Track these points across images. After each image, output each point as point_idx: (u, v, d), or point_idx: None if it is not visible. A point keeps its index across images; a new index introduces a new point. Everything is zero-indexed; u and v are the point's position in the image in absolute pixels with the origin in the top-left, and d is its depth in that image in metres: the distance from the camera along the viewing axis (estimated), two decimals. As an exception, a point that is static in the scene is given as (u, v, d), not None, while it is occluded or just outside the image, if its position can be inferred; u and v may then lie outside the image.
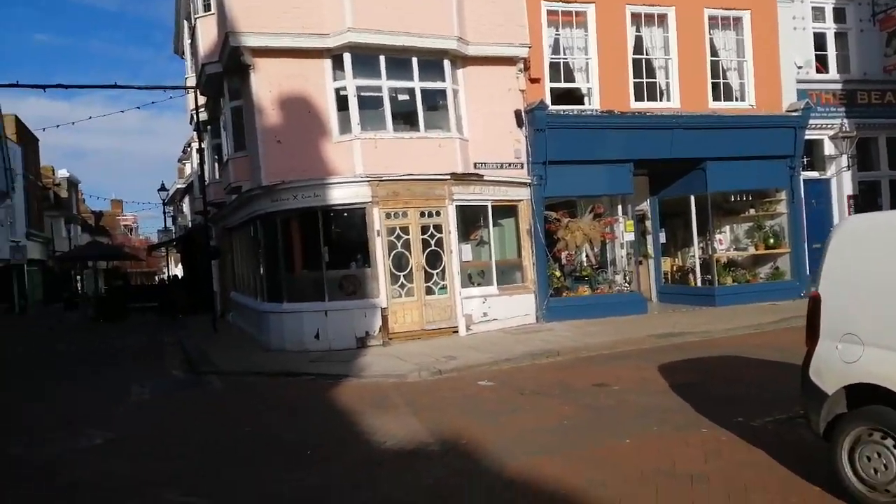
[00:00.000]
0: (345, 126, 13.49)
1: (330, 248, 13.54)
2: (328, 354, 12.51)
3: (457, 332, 13.55)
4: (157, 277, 61.65)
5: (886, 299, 4.60)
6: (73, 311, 32.46)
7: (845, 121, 17.00)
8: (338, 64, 13.51)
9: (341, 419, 8.12)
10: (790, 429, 6.49)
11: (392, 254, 13.31)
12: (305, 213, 13.42)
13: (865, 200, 17.51)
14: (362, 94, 13.59)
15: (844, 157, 17.01)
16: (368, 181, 13.08)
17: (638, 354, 10.98)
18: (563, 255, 15.26)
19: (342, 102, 13.54)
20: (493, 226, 14.66)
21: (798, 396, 6.87)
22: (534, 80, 14.86)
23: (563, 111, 14.93)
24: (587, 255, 15.69)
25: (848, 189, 17.34)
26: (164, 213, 36.91)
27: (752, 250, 16.61)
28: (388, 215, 13.30)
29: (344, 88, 13.49)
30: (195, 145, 21.73)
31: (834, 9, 17.44)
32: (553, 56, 15.29)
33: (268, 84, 13.34)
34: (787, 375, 8.61)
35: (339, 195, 13.21)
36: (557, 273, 15.11)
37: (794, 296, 15.62)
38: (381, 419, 7.89)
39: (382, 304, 13.09)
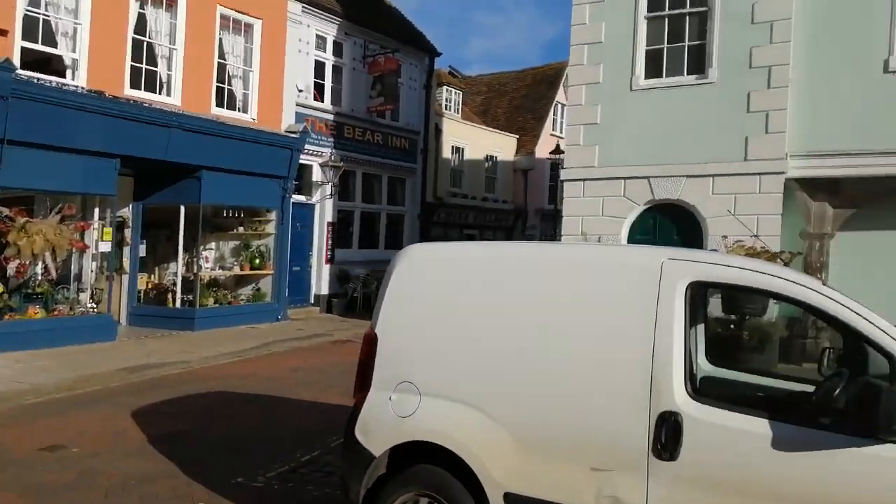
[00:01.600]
0: None
1: None
2: None
3: None
4: None
5: (441, 341, 3.97)
6: None
7: (333, 151, 17.93)
8: None
9: None
10: (300, 485, 5.72)
11: None
12: None
13: (341, 227, 18.81)
14: None
15: (330, 185, 17.91)
16: None
17: (106, 396, 8.84)
18: (13, 265, 11.65)
19: None
20: None
21: (309, 445, 6.16)
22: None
23: (39, 80, 11.58)
24: (46, 267, 12.34)
25: (329, 216, 18.27)
26: None
27: (237, 270, 15.91)
28: None
29: None
30: None
31: (334, 42, 18.28)
32: (31, 8, 11.77)
33: None
34: (278, 412, 8.13)
35: None
36: (1, 289, 11.44)
37: (272, 318, 15.60)
38: None
39: None
